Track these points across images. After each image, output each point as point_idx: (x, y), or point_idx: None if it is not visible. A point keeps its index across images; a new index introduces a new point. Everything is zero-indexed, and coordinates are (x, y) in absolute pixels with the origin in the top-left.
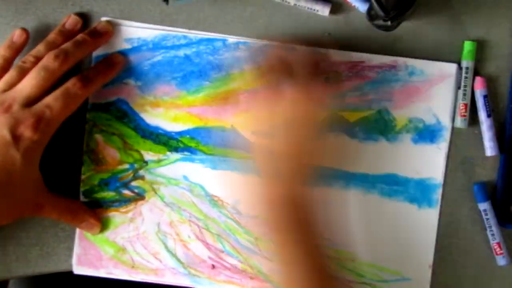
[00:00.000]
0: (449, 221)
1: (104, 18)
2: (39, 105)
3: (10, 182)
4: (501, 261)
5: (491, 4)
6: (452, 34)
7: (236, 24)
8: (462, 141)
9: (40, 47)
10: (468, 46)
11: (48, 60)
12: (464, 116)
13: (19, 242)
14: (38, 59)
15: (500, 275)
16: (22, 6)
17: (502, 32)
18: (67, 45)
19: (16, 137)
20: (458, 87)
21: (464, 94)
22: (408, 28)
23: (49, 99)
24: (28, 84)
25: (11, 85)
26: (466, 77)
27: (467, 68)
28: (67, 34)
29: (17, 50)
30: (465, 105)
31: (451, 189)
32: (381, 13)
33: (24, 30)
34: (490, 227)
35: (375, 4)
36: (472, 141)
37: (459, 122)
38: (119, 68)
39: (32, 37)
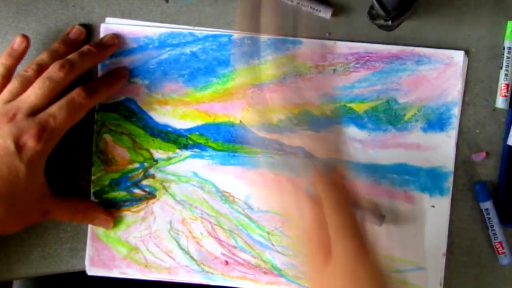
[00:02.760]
0: (451, 220)
1: (108, 18)
2: (43, 114)
3: (15, 192)
4: (503, 260)
5: (492, 2)
6: (453, 34)
7: None
8: (463, 140)
9: (43, 56)
10: (511, 26)
11: (54, 70)
12: (506, 96)
13: (21, 243)
14: (40, 68)
15: (502, 275)
16: (23, 7)
17: (502, 32)
18: (73, 55)
19: (19, 147)
20: (500, 67)
21: (506, 74)
22: (409, 27)
23: (53, 108)
24: (32, 94)
25: (15, 95)
26: (508, 57)
27: (509, 48)
28: (70, 44)
29: (17, 58)
30: (507, 85)
31: (453, 188)
32: (382, 13)
33: (25, 37)
34: (492, 226)
35: (376, 4)
36: (472, 139)
37: (501, 102)
38: (124, 81)
39: (33, 38)
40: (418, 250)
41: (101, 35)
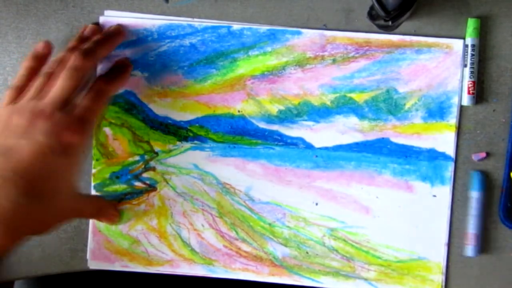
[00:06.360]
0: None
1: (107, 11)
2: (78, 109)
3: (55, 190)
4: (468, 251)
5: (491, 4)
6: (453, 34)
7: None
8: (463, 140)
9: (62, 53)
10: (472, 23)
11: (77, 59)
12: (472, 93)
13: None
14: (61, 62)
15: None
16: (23, 7)
17: (504, 32)
18: (88, 45)
19: (59, 144)
20: (464, 65)
21: (472, 72)
22: (409, 27)
23: (85, 101)
24: (60, 88)
25: (40, 90)
26: (472, 55)
27: (473, 45)
28: (86, 40)
29: (41, 60)
30: (473, 82)
31: (452, 188)
32: (382, 13)
33: (47, 42)
34: (473, 216)
35: (376, 4)
36: (472, 140)
37: (467, 100)
38: (131, 69)
39: (33, 38)
40: (420, 240)
41: (101, 27)
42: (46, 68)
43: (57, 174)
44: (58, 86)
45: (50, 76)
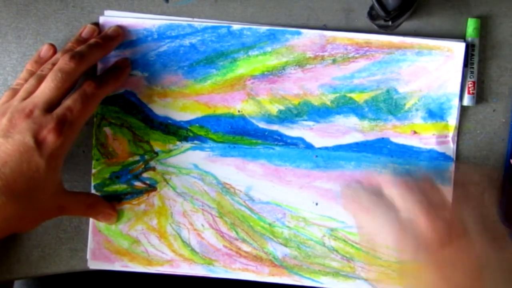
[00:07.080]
0: None
1: (107, 11)
2: (60, 109)
3: (34, 189)
4: None
5: (491, 4)
6: (453, 34)
7: None
8: (462, 140)
9: (58, 56)
10: (472, 23)
11: (64, 61)
12: (473, 93)
13: (20, 243)
14: (53, 65)
15: None
16: (23, 7)
17: (504, 32)
18: (81, 47)
19: (39, 142)
20: (465, 65)
21: (472, 72)
22: (409, 27)
23: (68, 102)
24: (46, 88)
25: (30, 92)
26: (472, 55)
27: (473, 45)
28: (84, 43)
29: (43, 63)
30: (473, 82)
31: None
32: (382, 13)
33: (52, 45)
34: None
35: (376, 5)
36: (472, 140)
37: (467, 100)
38: (128, 71)
39: (33, 39)
40: None
41: (100, 27)
42: (40, 70)
43: (37, 173)
44: (41, 87)
45: (40, 78)
